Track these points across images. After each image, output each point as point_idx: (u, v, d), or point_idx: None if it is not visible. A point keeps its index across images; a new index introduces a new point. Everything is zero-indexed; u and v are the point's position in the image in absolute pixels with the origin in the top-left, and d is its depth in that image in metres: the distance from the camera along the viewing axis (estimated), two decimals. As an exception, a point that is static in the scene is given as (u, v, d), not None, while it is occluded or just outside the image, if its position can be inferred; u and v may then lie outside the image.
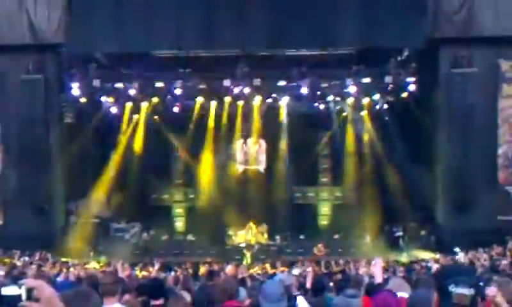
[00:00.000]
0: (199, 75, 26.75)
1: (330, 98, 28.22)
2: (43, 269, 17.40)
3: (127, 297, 7.67)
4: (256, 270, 20.25)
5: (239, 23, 24.12)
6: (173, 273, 18.37)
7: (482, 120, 24.53)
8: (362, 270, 15.87)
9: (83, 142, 27.05)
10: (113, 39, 24.34)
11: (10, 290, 2.81)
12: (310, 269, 14.04)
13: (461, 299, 3.36)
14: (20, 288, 2.85)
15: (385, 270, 17.15)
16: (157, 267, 18.11)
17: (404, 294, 6.76)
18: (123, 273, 13.09)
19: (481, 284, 8.08)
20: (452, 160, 24.54)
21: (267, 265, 21.02)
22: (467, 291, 3.40)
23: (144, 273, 19.52)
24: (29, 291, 2.85)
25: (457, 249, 21.18)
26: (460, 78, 24.14)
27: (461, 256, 19.42)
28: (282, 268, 21.37)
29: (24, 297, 2.82)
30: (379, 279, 7.89)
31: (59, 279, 14.07)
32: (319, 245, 26.96)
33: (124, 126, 28.59)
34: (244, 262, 25.00)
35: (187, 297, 8.30)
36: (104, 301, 6.52)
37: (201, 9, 24.19)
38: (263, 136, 29.49)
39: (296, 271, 19.21)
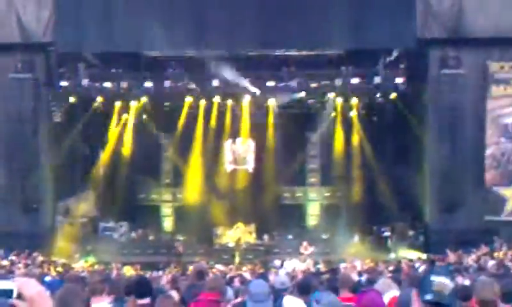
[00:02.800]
0: (188, 75, 26.68)
1: (319, 98, 28.22)
2: (31, 268, 17.35)
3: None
4: (245, 270, 20.24)
5: (229, 24, 24.13)
6: (160, 272, 18.42)
7: (471, 121, 24.67)
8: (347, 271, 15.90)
9: (72, 142, 26.99)
10: (102, 38, 24.32)
11: (4, 284, 2.92)
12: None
13: (441, 287, 3.43)
14: (13, 283, 2.95)
15: (373, 270, 17.24)
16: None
17: (393, 293, 6.80)
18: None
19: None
20: (440, 161, 24.66)
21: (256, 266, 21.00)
22: (448, 281, 3.48)
23: (132, 272, 19.54)
24: (20, 289, 2.94)
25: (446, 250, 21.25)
26: (449, 79, 24.25)
27: (450, 256, 19.46)
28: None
29: (14, 294, 2.91)
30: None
31: (47, 278, 14.02)
32: (305, 243, 26.94)
33: (113, 125, 28.52)
34: (233, 262, 25.02)
35: (176, 296, 8.31)
36: (92, 300, 6.54)
37: (190, 9, 24.22)
38: (252, 136, 29.47)
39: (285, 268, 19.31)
